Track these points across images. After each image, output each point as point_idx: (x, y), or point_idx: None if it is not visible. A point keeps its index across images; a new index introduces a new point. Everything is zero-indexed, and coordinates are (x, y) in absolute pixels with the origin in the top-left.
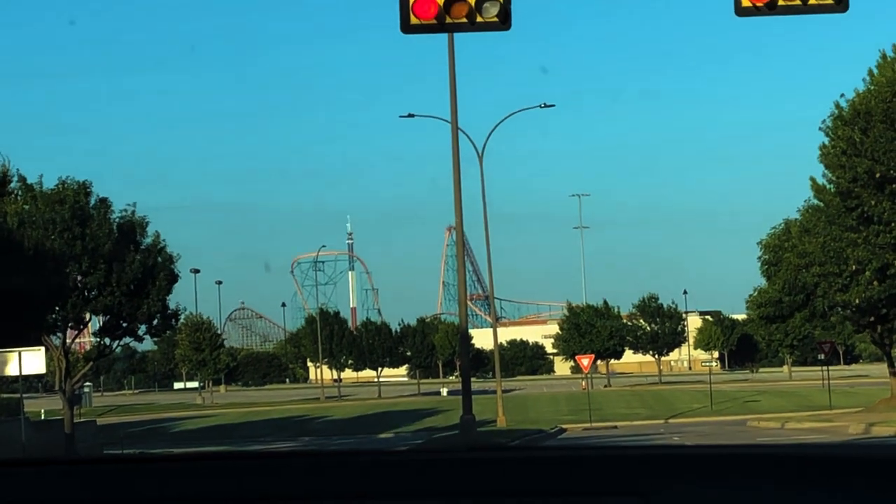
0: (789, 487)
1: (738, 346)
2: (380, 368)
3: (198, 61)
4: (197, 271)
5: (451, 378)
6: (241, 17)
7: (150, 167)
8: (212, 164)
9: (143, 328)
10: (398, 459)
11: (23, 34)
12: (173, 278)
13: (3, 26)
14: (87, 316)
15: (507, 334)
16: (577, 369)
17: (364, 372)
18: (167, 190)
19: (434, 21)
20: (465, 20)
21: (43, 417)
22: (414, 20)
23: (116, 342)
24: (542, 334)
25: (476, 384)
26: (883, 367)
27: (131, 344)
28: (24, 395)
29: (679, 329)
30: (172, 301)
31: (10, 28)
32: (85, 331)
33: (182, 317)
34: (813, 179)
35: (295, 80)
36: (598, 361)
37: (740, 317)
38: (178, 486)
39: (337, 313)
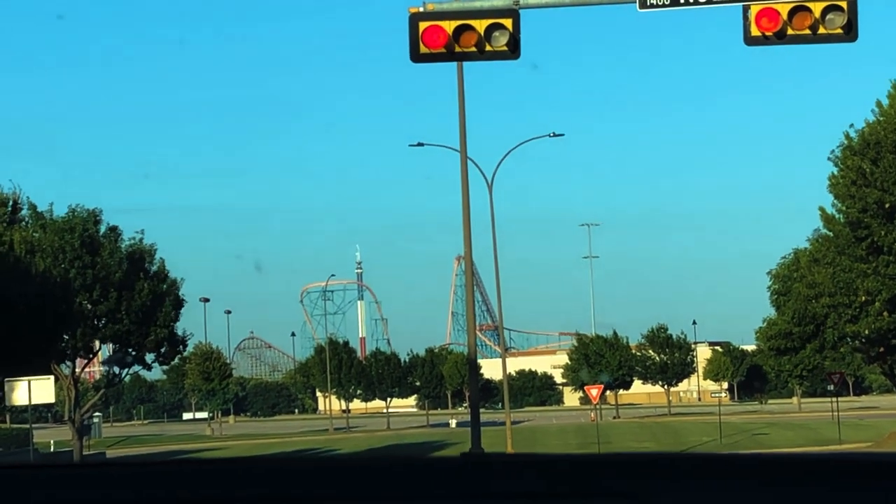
0: (776, 485)
1: (748, 376)
2: (389, 399)
3: (204, 74)
4: (206, 300)
5: (461, 409)
6: (250, 39)
7: (147, 175)
8: (211, 183)
9: (151, 356)
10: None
11: (5, 30)
12: (179, 303)
13: None
14: (97, 345)
15: (515, 364)
16: (585, 400)
17: (373, 402)
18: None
19: (443, 50)
20: (474, 49)
21: (52, 448)
22: (423, 49)
23: (125, 371)
24: (551, 364)
25: (485, 415)
26: (893, 399)
27: (140, 372)
28: (34, 426)
29: (688, 359)
30: (179, 327)
31: None
32: (94, 360)
33: (189, 343)
34: (822, 209)
35: (303, 108)
36: (607, 392)
37: (750, 347)
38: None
39: (346, 343)
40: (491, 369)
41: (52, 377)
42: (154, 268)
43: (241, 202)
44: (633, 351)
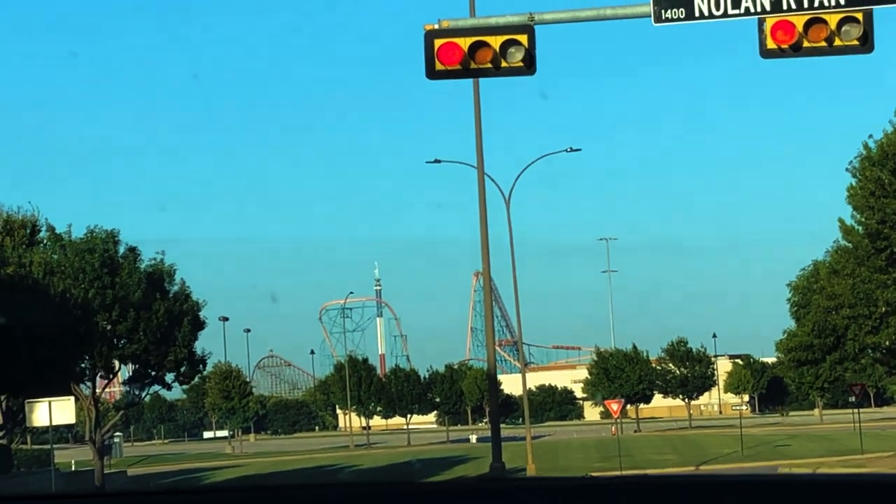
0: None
1: (769, 389)
2: (409, 415)
3: (225, 100)
4: (226, 319)
5: (481, 424)
6: (263, 63)
7: (168, 202)
8: (231, 203)
9: (170, 376)
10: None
11: (22, 67)
12: (199, 325)
13: (5, 60)
14: (117, 365)
15: (536, 379)
16: (606, 414)
17: (393, 419)
18: (190, 226)
19: (459, 67)
20: (489, 65)
21: (73, 468)
22: (439, 66)
23: (145, 391)
24: (571, 379)
25: (505, 430)
26: None
27: (160, 392)
28: (55, 446)
29: (708, 373)
30: (200, 348)
31: (10, 61)
32: (114, 380)
33: (209, 363)
34: (841, 220)
35: (318, 128)
36: (628, 406)
37: (770, 360)
38: None
39: (365, 360)
40: (511, 385)
41: (72, 398)
42: (175, 288)
43: (258, 224)
44: (654, 365)
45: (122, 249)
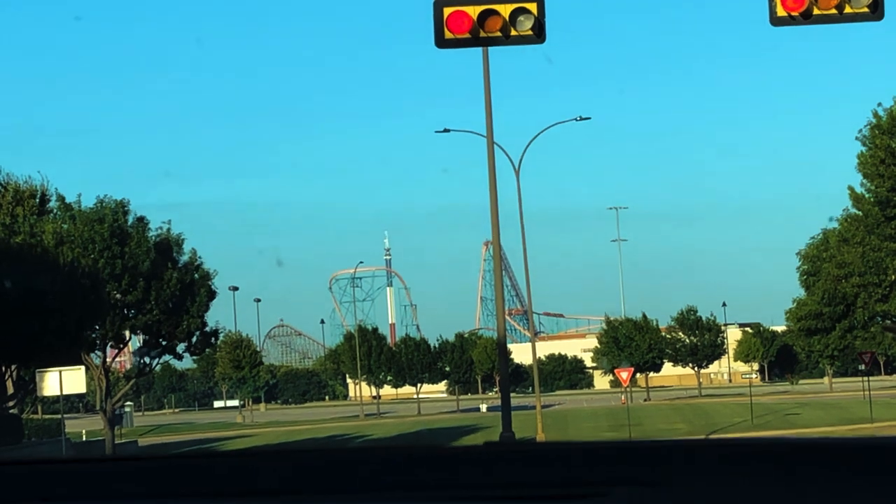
0: (794, 473)
1: (778, 357)
2: (419, 385)
3: (236, 74)
4: (236, 289)
5: (491, 393)
6: (277, 34)
7: (178, 167)
8: (242, 171)
9: (181, 346)
10: (416, 455)
11: (26, 34)
12: (211, 295)
13: (6, 26)
14: (127, 334)
15: (546, 349)
16: (616, 383)
17: (403, 388)
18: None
19: (468, 35)
20: (499, 34)
21: (84, 438)
22: (448, 35)
23: (156, 360)
24: (581, 348)
25: (515, 399)
26: None
27: (171, 362)
28: (66, 416)
29: (718, 341)
30: (211, 318)
31: (12, 28)
32: (125, 350)
33: (221, 335)
34: (851, 189)
35: (327, 100)
36: (638, 375)
37: (780, 328)
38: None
39: (375, 329)
40: (521, 354)
41: (82, 367)
42: (185, 258)
43: (268, 195)
44: (663, 333)
45: (130, 219)
